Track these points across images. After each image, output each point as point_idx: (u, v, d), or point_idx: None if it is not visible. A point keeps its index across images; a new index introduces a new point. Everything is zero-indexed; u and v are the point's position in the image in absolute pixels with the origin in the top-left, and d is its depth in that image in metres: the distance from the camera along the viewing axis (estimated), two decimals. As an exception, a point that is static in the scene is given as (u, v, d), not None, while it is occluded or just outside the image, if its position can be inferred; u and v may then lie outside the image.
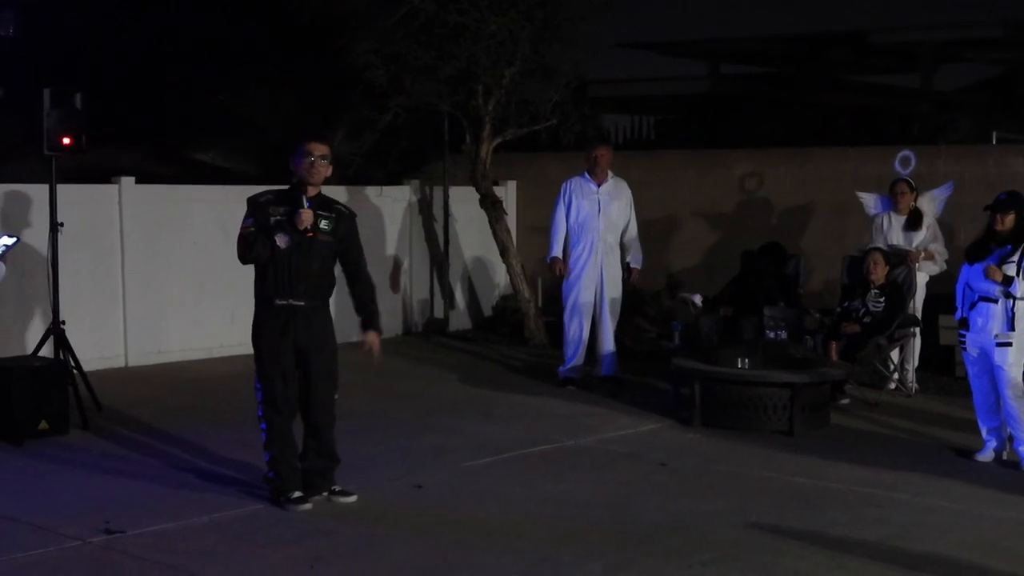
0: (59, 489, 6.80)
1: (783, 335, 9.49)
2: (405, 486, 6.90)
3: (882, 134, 16.82)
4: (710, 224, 12.81)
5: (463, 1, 11.08)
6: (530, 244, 13.09)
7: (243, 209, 6.47)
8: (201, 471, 7.16)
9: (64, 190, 8.89)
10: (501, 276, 13.29)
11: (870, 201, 10.19)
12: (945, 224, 10.15)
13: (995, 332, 7.28)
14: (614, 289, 10.12)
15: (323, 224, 6.41)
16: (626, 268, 10.22)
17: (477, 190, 12.20)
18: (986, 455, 7.59)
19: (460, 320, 13.42)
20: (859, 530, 6.12)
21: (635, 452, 7.84)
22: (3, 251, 7.06)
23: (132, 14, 15.30)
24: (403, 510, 6.45)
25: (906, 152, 10.36)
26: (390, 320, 12.30)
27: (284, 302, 6.37)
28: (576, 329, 10.08)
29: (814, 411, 8.47)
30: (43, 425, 7.90)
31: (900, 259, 9.74)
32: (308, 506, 6.38)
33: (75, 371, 8.53)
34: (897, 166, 10.26)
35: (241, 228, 6.40)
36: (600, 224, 9.98)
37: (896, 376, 9.79)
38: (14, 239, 7.23)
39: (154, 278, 10.90)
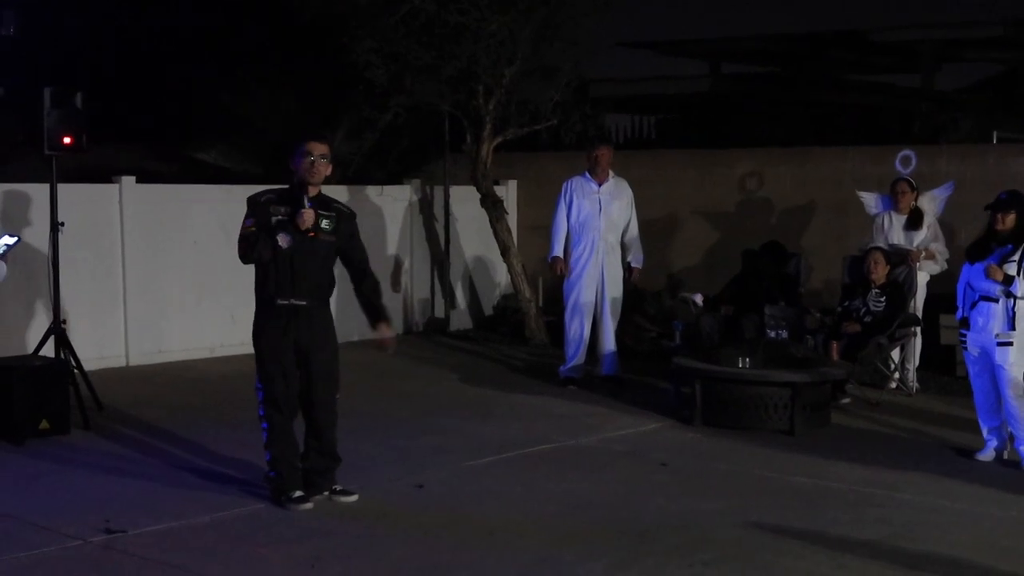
0: (60, 488, 6.80)
1: (784, 334, 9.49)
2: (406, 485, 6.90)
3: (883, 133, 16.83)
4: (711, 223, 12.81)
5: (464, 1, 11.08)
6: (531, 244, 13.08)
7: (244, 209, 6.47)
8: (202, 471, 7.16)
9: (65, 189, 8.90)
10: (502, 276, 13.29)
11: (871, 200, 10.19)
12: (946, 223, 10.15)
13: (996, 331, 7.28)
14: (615, 288, 10.12)
15: (324, 224, 6.41)
16: (627, 267, 10.22)
17: (478, 189, 12.20)
18: (987, 454, 7.59)
19: (461, 320, 13.42)
20: (860, 529, 6.12)
21: (636, 451, 7.84)
22: (4, 250, 7.06)
23: (132, 14, 15.33)
24: (404, 509, 6.45)
25: (907, 151, 10.37)
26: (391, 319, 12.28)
27: (286, 302, 6.37)
28: (577, 328, 10.08)
29: (815, 410, 8.47)
30: (44, 424, 7.90)
31: (901, 258, 9.74)
32: (309, 505, 6.38)
33: (76, 370, 8.53)
34: (898, 165, 10.27)
35: (242, 228, 6.39)
36: (601, 223, 9.98)
37: (897, 375, 9.79)
38: (15, 238, 7.23)
39: (155, 277, 10.90)
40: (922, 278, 9.84)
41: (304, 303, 6.39)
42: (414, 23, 11.31)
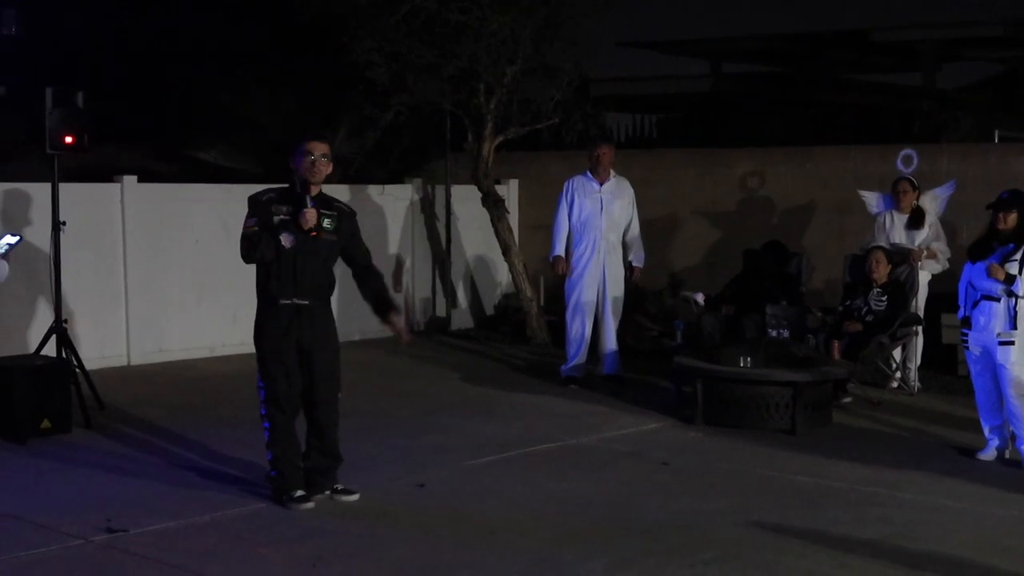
0: (61, 488, 6.80)
1: (785, 334, 9.48)
2: (407, 485, 6.90)
3: (884, 133, 16.82)
4: (712, 223, 12.80)
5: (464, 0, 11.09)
6: (532, 243, 13.08)
7: (244, 208, 6.47)
8: (203, 470, 7.16)
9: (66, 189, 8.90)
10: (503, 275, 13.29)
11: (872, 200, 10.18)
12: (947, 223, 10.15)
13: (997, 331, 7.28)
14: (616, 288, 10.12)
15: (326, 223, 6.41)
16: (628, 267, 10.22)
17: (479, 189, 12.20)
18: (988, 454, 7.59)
19: (462, 319, 13.42)
20: (861, 529, 6.12)
21: (637, 451, 7.84)
22: (6, 250, 7.06)
23: (132, 14, 15.35)
24: (405, 509, 6.45)
25: (908, 151, 10.36)
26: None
27: (288, 301, 6.37)
28: (578, 328, 10.08)
29: (816, 410, 8.46)
30: (45, 424, 7.91)
31: (902, 258, 9.74)
32: (310, 505, 6.38)
33: (77, 370, 8.53)
34: (899, 165, 10.26)
35: (244, 227, 6.39)
36: (602, 223, 9.98)
37: (898, 375, 9.79)
38: (17, 238, 7.23)
39: (156, 277, 10.91)
40: (923, 277, 9.84)
41: (306, 303, 6.39)
42: (415, 22, 11.31)
